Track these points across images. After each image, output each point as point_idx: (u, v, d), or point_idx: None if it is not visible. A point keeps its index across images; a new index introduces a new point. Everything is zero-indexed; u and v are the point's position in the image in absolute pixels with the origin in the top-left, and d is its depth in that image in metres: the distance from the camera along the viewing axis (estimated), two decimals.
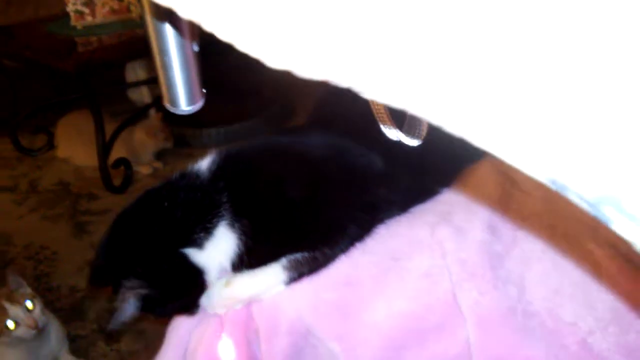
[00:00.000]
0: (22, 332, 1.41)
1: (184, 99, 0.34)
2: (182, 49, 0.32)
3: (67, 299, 1.80)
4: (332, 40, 0.24)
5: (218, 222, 0.69)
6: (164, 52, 0.32)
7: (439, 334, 0.65)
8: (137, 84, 2.93)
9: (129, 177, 2.43)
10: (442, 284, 0.66)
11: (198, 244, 0.69)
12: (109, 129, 2.35)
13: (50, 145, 2.77)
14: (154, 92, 2.97)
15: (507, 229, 0.69)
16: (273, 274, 0.69)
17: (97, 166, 2.38)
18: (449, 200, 0.75)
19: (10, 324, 1.39)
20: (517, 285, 0.64)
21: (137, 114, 2.60)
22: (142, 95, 2.99)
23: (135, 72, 2.92)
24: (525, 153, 0.23)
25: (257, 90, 2.81)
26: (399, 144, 0.73)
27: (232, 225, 0.69)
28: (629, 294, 0.63)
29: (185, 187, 0.72)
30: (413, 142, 0.34)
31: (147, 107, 2.65)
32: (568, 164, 0.23)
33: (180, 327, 0.79)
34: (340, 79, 0.25)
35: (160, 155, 2.61)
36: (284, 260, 0.69)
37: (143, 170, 2.53)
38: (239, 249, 0.69)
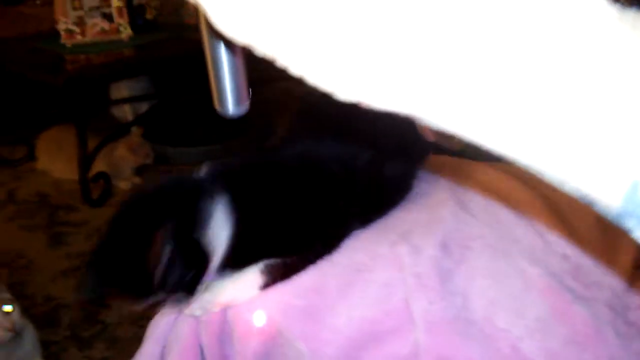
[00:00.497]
0: None
1: (232, 103, 0.38)
2: (233, 61, 0.36)
3: (41, 307, 1.85)
4: (401, 74, 0.25)
5: (217, 217, 0.76)
6: (216, 62, 0.36)
7: (393, 336, 0.74)
8: (121, 101, 3.00)
9: (108, 191, 2.49)
10: (398, 294, 0.75)
11: (200, 224, 0.74)
12: (91, 144, 2.42)
13: (30, 156, 2.82)
14: (137, 110, 3.05)
15: (457, 248, 0.79)
16: (251, 279, 0.78)
17: (76, 179, 2.45)
18: (409, 220, 0.85)
19: None
20: (462, 297, 0.74)
21: (119, 131, 2.68)
22: (124, 113, 3.07)
23: (119, 90, 2.99)
24: (557, 168, 0.26)
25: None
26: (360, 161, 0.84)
27: (226, 224, 0.76)
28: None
29: (191, 183, 0.78)
30: None
31: (129, 125, 2.73)
32: (595, 178, 0.25)
33: (158, 329, 0.86)
34: (409, 110, 0.27)
35: (140, 171, 2.68)
36: (261, 265, 0.78)
37: (122, 185, 2.60)
38: (228, 248, 0.76)
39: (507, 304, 0.74)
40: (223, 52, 0.37)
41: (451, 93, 0.25)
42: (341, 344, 0.75)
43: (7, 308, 1.47)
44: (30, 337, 1.59)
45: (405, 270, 0.77)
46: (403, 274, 0.77)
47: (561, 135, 0.25)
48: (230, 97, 0.39)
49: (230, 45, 0.36)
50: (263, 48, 0.27)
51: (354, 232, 0.84)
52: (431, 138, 0.33)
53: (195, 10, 0.29)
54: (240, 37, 0.27)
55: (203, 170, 0.80)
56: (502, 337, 0.71)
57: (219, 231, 0.76)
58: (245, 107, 0.40)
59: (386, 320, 0.75)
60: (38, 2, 3.22)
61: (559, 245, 0.82)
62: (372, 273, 0.79)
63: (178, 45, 2.69)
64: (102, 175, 2.50)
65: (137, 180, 2.65)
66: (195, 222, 0.74)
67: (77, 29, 2.50)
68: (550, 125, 0.25)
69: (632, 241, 0.81)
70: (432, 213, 0.87)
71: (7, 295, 1.51)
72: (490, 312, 0.73)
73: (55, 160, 2.68)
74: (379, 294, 0.76)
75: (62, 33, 2.48)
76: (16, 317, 1.49)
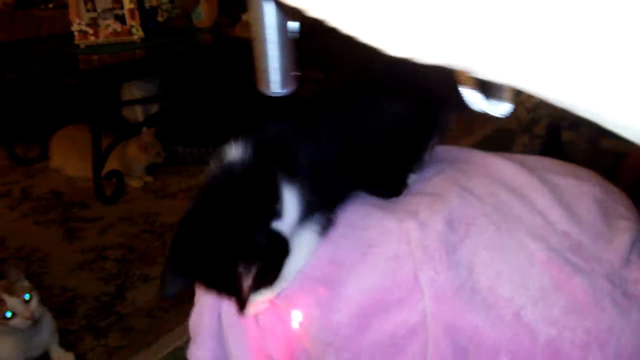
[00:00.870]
0: (19, 322, 1.50)
1: (278, 82, 0.37)
2: (282, 36, 0.35)
3: (58, 298, 1.90)
4: (453, 26, 0.25)
5: (282, 190, 0.78)
6: (264, 37, 0.35)
7: (402, 306, 0.78)
8: (132, 102, 3.06)
9: (121, 189, 2.55)
10: (406, 265, 0.80)
11: (278, 214, 0.77)
12: (103, 144, 2.48)
13: (44, 156, 2.88)
14: (147, 111, 3.11)
15: (462, 224, 0.83)
16: (307, 240, 0.83)
17: (88, 177, 2.51)
18: (414, 202, 0.90)
19: (8, 314, 1.49)
20: (467, 268, 0.79)
21: (131, 130, 2.74)
22: (135, 114, 3.13)
23: (130, 91, 3.05)
24: (626, 119, 0.25)
25: (247, 113, 2.96)
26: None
27: (291, 189, 0.78)
28: None
29: (238, 174, 0.80)
30: (499, 110, 0.38)
31: (140, 125, 2.79)
32: None
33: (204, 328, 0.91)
34: (460, 63, 0.27)
35: (151, 169, 2.74)
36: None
37: (134, 183, 2.65)
38: (300, 206, 0.79)
39: (510, 275, 0.78)
40: (274, 29, 0.36)
41: (503, 43, 0.25)
42: (353, 313, 0.80)
43: (26, 297, 1.52)
44: (47, 325, 1.64)
45: (413, 244, 0.81)
46: (410, 247, 0.81)
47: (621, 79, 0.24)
48: (276, 77, 0.38)
49: (282, 14, 0.36)
50: (314, 9, 0.28)
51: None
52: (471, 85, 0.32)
53: None
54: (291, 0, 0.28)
55: (240, 150, 0.82)
56: (505, 305, 0.75)
57: (291, 213, 0.78)
58: (289, 89, 0.39)
59: (395, 290, 0.79)
60: (50, 5, 3.29)
61: (560, 223, 0.86)
62: (381, 247, 0.83)
63: (188, 47, 2.75)
64: (114, 173, 2.56)
65: (148, 178, 2.71)
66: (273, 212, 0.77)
67: (90, 30, 2.56)
68: (607, 67, 0.24)
69: (628, 224, 0.85)
70: (436, 196, 0.91)
71: (26, 284, 1.56)
72: (494, 283, 0.77)
73: (68, 159, 2.74)
74: (388, 265, 0.81)
75: (76, 34, 2.55)
76: (35, 305, 1.54)
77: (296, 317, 0.82)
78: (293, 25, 0.37)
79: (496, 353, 0.75)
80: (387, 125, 0.93)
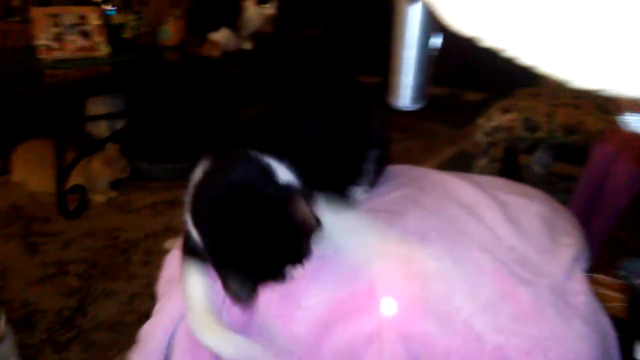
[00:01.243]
0: None
1: (408, 98, 0.38)
2: (420, 55, 0.36)
3: (18, 312, 1.88)
4: None
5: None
6: (402, 55, 0.36)
7: (358, 315, 0.83)
8: (98, 117, 3.06)
9: (83, 204, 2.54)
10: (363, 276, 0.84)
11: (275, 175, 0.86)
12: (67, 158, 2.47)
13: (5, 169, 2.85)
14: (112, 127, 3.11)
15: (416, 239, 0.89)
16: None
17: (51, 192, 2.49)
18: (373, 216, 0.95)
19: None
20: (420, 279, 0.84)
21: (95, 145, 2.74)
22: (100, 129, 3.12)
23: (95, 106, 3.05)
24: None
25: (214, 131, 2.99)
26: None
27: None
28: None
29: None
30: None
31: (105, 140, 2.79)
32: None
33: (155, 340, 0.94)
34: None
35: (115, 185, 2.74)
36: None
37: (98, 198, 2.64)
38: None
39: (460, 286, 0.83)
40: (414, 48, 0.37)
41: None
42: (312, 322, 0.84)
43: None
44: (8, 339, 1.62)
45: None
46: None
47: None
48: (408, 93, 0.39)
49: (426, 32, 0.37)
50: (494, 40, 0.27)
51: None
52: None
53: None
54: (470, 29, 0.28)
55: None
56: (456, 313, 0.80)
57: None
58: (418, 105, 0.40)
59: (353, 300, 0.84)
60: (17, 18, 3.27)
61: (508, 238, 0.93)
62: (339, 259, 0.87)
63: (154, 64, 2.78)
64: (78, 188, 2.55)
65: (112, 194, 2.70)
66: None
67: (55, 45, 2.56)
68: None
69: (572, 240, 0.91)
70: (393, 212, 0.97)
71: None
72: (445, 293, 0.82)
73: (31, 173, 2.72)
74: (347, 276, 0.85)
75: (41, 48, 2.54)
76: (2, 325, 1.52)
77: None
78: (434, 42, 0.39)
79: (447, 359, 0.80)
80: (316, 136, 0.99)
